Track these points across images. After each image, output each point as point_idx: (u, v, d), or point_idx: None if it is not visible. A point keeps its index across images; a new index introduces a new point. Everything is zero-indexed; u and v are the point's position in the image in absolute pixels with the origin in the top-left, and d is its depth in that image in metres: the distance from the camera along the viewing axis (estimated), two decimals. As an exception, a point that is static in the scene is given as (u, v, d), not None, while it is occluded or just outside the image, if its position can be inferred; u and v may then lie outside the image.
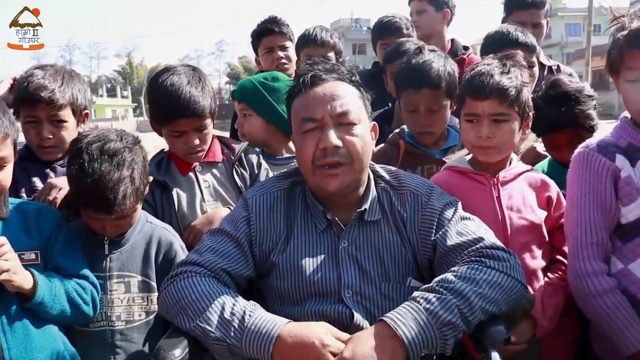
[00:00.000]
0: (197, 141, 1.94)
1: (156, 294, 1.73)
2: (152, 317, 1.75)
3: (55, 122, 1.93)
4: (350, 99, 1.56)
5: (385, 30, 3.07)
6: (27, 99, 1.89)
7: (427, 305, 1.34)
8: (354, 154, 1.52)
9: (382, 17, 3.15)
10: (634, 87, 1.58)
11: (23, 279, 1.48)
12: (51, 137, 1.93)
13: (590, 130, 2.01)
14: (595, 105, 2.04)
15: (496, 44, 2.28)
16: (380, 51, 3.09)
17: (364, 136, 1.56)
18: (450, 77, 2.07)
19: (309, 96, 1.56)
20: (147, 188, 1.78)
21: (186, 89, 1.88)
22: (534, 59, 2.40)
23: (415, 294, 1.39)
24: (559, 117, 1.96)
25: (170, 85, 1.88)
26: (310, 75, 1.58)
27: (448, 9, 3.23)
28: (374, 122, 1.67)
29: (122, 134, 1.70)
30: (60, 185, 1.83)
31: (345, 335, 1.36)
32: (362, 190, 1.61)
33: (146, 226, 1.80)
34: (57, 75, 1.94)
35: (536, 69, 2.42)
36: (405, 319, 1.32)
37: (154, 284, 1.75)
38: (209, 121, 1.96)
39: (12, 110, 1.88)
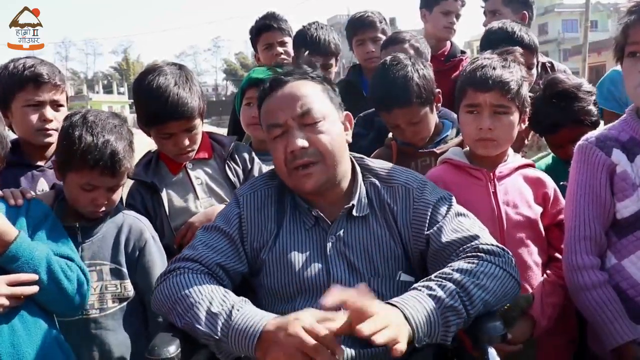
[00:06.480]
0: (186, 142, 1.92)
1: (128, 280, 1.77)
2: (125, 304, 1.77)
3: (55, 107, 2.04)
4: (312, 97, 1.55)
5: (359, 25, 3.02)
6: (31, 80, 1.98)
7: (430, 292, 1.34)
8: (323, 151, 1.52)
9: (354, 14, 3.13)
10: (632, 62, 1.54)
11: (4, 225, 1.51)
12: (52, 119, 2.02)
13: (592, 125, 2.00)
14: (595, 100, 2.03)
15: (499, 41, 2.24)
16: (356, 48, 3.04)
17: (331, 131, 1.55)
18: (420, 86, 1.97)
19: (270, 102, 1.58)
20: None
21: (174, 91, 1.84)
22: (534, 61, 2.40)
23: (415, 285, 1.39)
24: (559, 115, 1.95)
25: (157, 88, 1.84)
26: (269, 81, 1.60)
27: None
28: (347, 112, 1.66)
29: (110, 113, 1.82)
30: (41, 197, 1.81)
31: (337, 316, 1.27)
32: (346, 184, 1.60)
33: (118, 216, 1.82)
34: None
35: (534, 71, 2.41)
36: (412, 303, 1.31)
37: (125, 270, 1.77)
38: (198, 121, 1.93)
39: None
